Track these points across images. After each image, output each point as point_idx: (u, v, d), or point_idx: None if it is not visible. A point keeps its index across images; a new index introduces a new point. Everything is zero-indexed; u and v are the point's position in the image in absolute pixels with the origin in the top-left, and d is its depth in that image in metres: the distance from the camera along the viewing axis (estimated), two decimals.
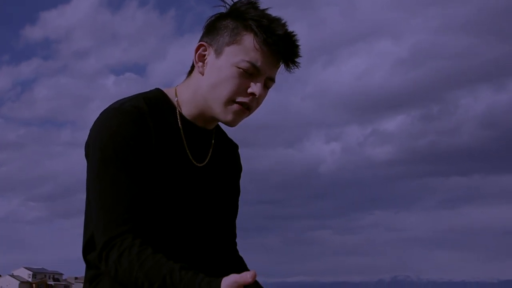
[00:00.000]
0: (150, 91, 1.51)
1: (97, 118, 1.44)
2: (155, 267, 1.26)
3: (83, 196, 1.49)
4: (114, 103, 1.45)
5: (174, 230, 1.43)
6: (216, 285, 1.20)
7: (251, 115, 1.49)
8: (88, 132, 1.46)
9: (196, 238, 1.48)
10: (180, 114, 1.49)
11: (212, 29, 1.47)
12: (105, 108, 1.45)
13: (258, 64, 1.41)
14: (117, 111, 1.40)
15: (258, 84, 1.42)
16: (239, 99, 1.43)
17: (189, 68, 1.54)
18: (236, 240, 1.66)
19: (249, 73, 1.41)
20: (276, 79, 1.47)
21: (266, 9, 1.44)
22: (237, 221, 1.66)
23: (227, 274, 1.21)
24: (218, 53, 1.44)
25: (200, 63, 1.47)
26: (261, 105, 1.49)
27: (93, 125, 1.44)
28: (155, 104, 1.46)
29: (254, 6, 1.44)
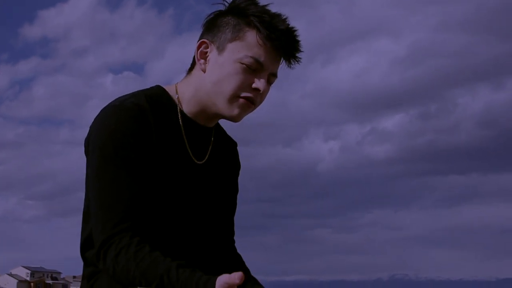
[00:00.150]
0: (151, 88, 1.51)
1: (98, 115, 1.43)
2: (152, 266, 1.26)
3: (82, 195, 1.48)
4: (115, 100, 1.44)
5: (173, 227, 1.43)
6: (211, 285, 1.20)
7: (250, 113, 1.49)
8: (87, 130, 1.46)
9: (195, 236, 1.48)
10: (181, 111, 1.49)
11: (212, 26, 1.47)
12: (105, 105, 1.44)
13: (262, 59, 1.41)
14: (118, 108, 1.39)
15: (262, 80, 1.42)
16: (244, 94, 1.43)
17: (188, 66, 1.53)
18: (235, 238, 1.66)
19: (252, 69, 1.41)
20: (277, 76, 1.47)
21: (267, 5, 1.44)
22: (235, 219, 1.66)
23: (226, 272, 1.21)
24: (221, 49, 1.44)
25: (202, 61, 1.47)
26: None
27: (93, 122, 1.44)
28: (156, 101, 1.45)
29: (254, 2, 1.44)
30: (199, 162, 1.50)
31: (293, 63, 1.46)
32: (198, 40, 1.48)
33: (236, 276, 1.17)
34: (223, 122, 1.61)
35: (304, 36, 1.43)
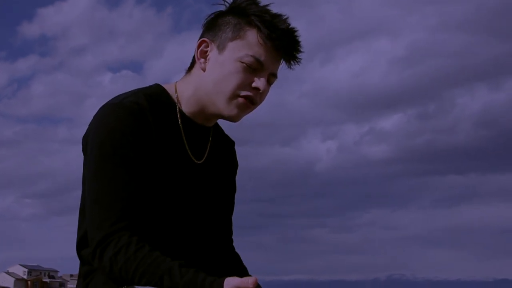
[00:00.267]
0: (150, 86, 1.51)
1: (96, 113, 1.43)
2: (153, 265, 1.26)
3: (79, 194, 1.48)
4: (114, 98, 1.44)
5: (172, 227, 1.43)
6: (218, 286, 1.19)
7: (248, 113, 1.49)
8: (85, 129, 1.45)
9: (193, 235, 1.48)
10: (180, 110, 1.49)
11: (213, 26, 1.47)
12: (103, 104, 1.44)
13: (262, 58, 1.41)
14: (117, 107, 1.39)
15: (262, 79, 1.42)
16: (243, 93, 1.42)
17: (187, 65, 1.53)
18: (233, 238, 1.66)
19: (252, 68, 1.41)
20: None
21: (267, 5, 1.44)
22: (234, 219, 1.66)
23: (224, 271, 1.20)
24: (221, 48, 1.44)
25: (202, 59, 1.47)
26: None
27: (92, 120, 1.43)
28: (155, 100, 1.45)
29: (255, 2, 1.44)
30: (198, 162, 1.50)
31: (293, 63, 1.46)
32: (198, 40, 1.48)
33: (250, 281, 1.14)
34: (221, 122, 1.61)
35: (303, 36, 1.43)
